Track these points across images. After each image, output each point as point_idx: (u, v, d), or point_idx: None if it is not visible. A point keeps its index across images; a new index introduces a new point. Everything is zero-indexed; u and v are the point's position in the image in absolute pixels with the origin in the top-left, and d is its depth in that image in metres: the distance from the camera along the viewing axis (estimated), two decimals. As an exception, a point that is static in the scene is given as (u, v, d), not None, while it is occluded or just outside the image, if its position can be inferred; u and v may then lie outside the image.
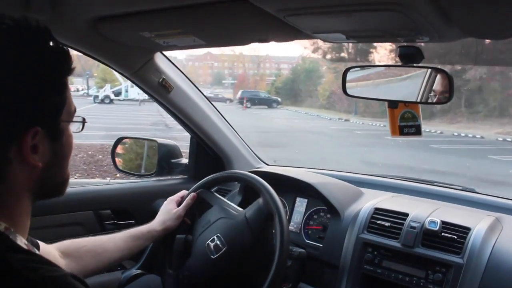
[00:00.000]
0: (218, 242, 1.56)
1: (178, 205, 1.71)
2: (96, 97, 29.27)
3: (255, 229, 1.54)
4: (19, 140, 0.83)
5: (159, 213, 1.69)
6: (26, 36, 0.85)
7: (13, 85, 0.81)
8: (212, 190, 1.77)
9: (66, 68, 0.90)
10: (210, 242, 1.57)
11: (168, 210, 1.68)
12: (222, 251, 1.55)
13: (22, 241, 0.87)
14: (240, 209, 1.63)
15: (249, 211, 1.58)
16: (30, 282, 0.76)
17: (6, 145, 0.83)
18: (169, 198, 1.74)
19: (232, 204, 1.66)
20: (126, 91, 28.84)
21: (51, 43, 0.88)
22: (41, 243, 1.28)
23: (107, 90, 29.84)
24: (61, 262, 1.38)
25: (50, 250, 1.36)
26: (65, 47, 0.91)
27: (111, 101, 28.66)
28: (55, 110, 0.89)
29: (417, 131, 1.55)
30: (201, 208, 1.71)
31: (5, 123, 0.82)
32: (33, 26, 0.86)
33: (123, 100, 28.84)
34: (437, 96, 1.38)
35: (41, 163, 0.87)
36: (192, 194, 1.72)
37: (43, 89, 0.85)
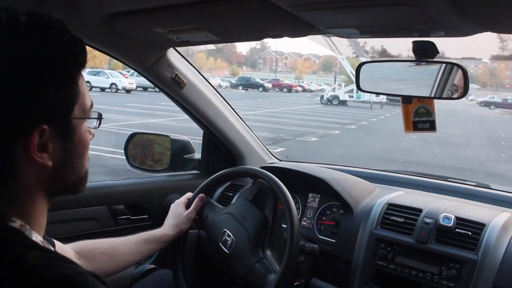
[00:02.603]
0: (227, 238, 1.60)
1: (187, 207, 1.72)
2: (321, 97, 26.71)
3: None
4: (25, 138, 0.80)
5: (168, 217, 1.70)
6: (35, 31, 0.82)
7: (16, 81, 0.78)
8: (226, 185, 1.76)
9: (76, 62, 0.87)
10: (223, 236, 1.61)
11: (179, 213, 1.69)
12: (232, 246, 1.58)
13: (38, 238, 0.86)
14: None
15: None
16: (46, 279, 0.75)
17: (12, 143, 0.80)
18: (176, 202, 1.74)
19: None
20: (357, 91, 26.17)
21: (62, 37, 0.84)
22: (56, 242, 1.28)
23: (338, 90, 26.74)
24: (76, 262, 1.39)
25: (65, 249, 1.36)
26: (77, 41, 0.87)
27: (342, 102, 25.69)
28: (63, 107, 0.85)
29: (431, 127, 1.54)
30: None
31: (8, 121, 0.79)
32: (45, 20, 0.83)
33: (355, 101, 25.96)
34: (459, 91, 1.36)
35: (52, 162, 0.85)
36: (201, 195, 1.73)
37: (48, 85, 0.81)
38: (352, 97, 25.85)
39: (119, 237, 1.56)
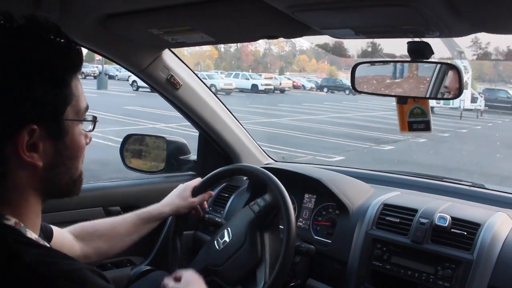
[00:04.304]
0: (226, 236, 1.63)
1: (193, 193, 1.71)
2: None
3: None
4: (14, 137, 0.81)
5: (172, 194, 1.71)
6: (30, 34, 0.83)
7: (5, 80, 0.80)
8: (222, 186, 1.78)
9: (68, 65, 0.88)
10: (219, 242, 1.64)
11: (184, 196, 1.69)
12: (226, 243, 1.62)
13: (33, 236, 0.87)
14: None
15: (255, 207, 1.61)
16: (45, 277, 0.76)
17: (0, 142, 0.82)
18: (186, 184, 1.74)
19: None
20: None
21: (57, 41, 0.86)
22: (55, 228, 1.30)
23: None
24: (76, 245, 1.42)
25: (64, 234, 1.39)
26: (71, 45, 0.88)
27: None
28: (53, 108, 0.86)
29: (427, 127, 1.55)
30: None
31: None
32: (41, 24, 0.85)
33: (442, 107, 20.07)
34: (451, 92, 1.37)
35: (43, 162, 0.85)
36: (210, 192, 1.74)
37: (37, 85, 0.82)
38: (439, 102, 19.64)
39: (116, 217, 1.59)
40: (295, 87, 37.54)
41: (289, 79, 38.86)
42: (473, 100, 20.92)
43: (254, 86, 29.75)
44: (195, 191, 1.73)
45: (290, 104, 23.63)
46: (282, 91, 32.34)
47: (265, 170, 1.64)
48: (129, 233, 1.56)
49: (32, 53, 0.83)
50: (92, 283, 0.81)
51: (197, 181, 1.77)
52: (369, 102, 26.22)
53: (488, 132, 17.15)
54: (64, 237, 1.37)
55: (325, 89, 37.18)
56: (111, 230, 1.52)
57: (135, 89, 26.05)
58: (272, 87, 31.27)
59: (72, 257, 0.84)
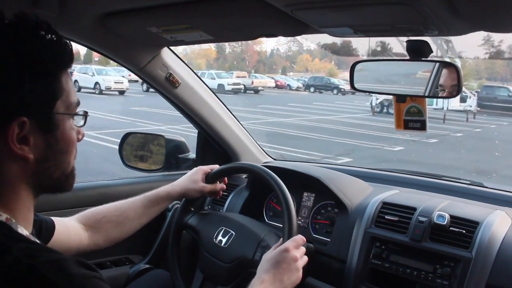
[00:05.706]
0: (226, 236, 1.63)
1: (206, 179, 1.68)
2: (371, 102, 17.86)
3: None
4: (4, 129, 0.83)
5: (184, 176, 1.69)
6: (19, 30, 0.85)
7: None
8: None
9: (57, 60, 0.90)
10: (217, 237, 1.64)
11: (195, 180, 1.66)
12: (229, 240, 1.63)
13: (24, 232, 0.87)
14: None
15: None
16: (29, 268, 0.77)
17: None
18: (199, 167, 1.71)
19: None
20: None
21: (47, 37, 0.87)
22: (57, 219, 1.31)
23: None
24: (84, 234, 1.41)
25: (69, 225, 1.38)
26: (62, 41, 0.90)
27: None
28: (43, 101, 0.87)
29: (422, 126, 1.56)
30: None
31: None
32: (31, 20, 0.86)
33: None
34: (446, 90, 1.37)
35: (33, 155, 0.87)
36: (222, 185, 1.72)
37: (25, 78, 0.83)
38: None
39: (124, 201, 1.56)
40: (279, 86, 36.02)
41: (272, 78, 37.46)
42: (463, 99, 17.86)
43: (220, 86, 27.38)
44: (209, 177, 1.69)
45: (244, 108, 19.79)
46: (256, 91, 30.31)
47: (281, 183, 1.59)
48: (138, 216, 1.54)
49: (21, 48, 0.84)
50: (78, 273, 0.81)
51: (211, 166, 1.73)
52: (349, 103, 23.42)
53: (467, 142, 13.77)
54: (69, 229, 1.37)
55: (312, 89, 35.38)
56: (120, 215, 1.51)
57: (76, 90, 24.31)
58: (241, 86, 29.17)
59: (59, 252, 0.85)
